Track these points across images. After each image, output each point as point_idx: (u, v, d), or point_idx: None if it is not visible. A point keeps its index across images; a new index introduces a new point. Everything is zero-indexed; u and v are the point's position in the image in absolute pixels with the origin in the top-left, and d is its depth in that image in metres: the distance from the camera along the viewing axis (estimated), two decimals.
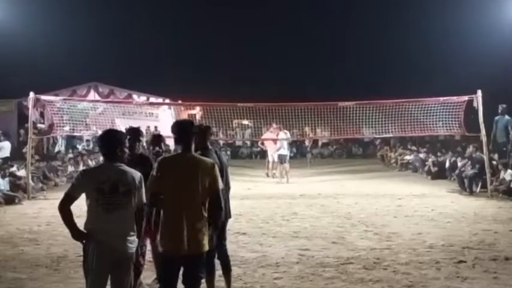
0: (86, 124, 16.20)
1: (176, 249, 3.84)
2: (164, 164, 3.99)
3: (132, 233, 3.86)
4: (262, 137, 16.96)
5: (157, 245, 4.08)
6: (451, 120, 13.27)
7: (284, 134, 15.79)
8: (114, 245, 3.76)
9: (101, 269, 3.74)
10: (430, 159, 16.76)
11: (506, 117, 13.42)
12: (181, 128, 4.08)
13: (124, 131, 5.18)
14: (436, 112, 13.40)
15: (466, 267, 6.02)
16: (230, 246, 5.62)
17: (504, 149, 13.53)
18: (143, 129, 23.86)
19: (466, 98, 12.84)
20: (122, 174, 3.85)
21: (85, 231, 3.79)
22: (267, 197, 12.09)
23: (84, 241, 3.79)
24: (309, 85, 30.00)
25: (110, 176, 3.80)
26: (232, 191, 5.34)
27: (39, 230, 8.45)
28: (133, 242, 3.86)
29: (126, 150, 4.04)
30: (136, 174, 3.95)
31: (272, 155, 16.19)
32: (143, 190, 3.96)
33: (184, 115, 19.98)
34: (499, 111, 13.46)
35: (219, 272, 5.02)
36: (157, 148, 5.41)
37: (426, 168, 16.66)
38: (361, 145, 26.66)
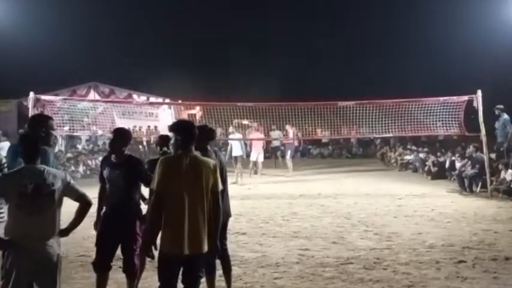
0: (88, 124, 16.20)
1: (178, 250, 3.83)
2: (167, 163, 3.96)
3: (54, 236, 3.77)
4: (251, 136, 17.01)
5: (146, 244, 4.04)
6: (451, 120, 13.27)
7: (260, 134, 16.15)
8: (36, 250, 3.65)
9: (21, 278, 3.63)
10: (430, 159, 16.75)
11: (505, 116, 13.44)
12: (184, 128, 4.05)
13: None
14: (436, 112, 13.38)
15: (466, 267, 6.03)
16: (230, 246, 5.61)
17: (501, 149, 13.54)
18: (144, 129, 23.97)
19: (466, 98, 12.83)
20: (44, 175, 3.75)
21: (6, 239, 3.67)
22: (267, 197, 12.09)
23: (4, 249, 3.68)
24: (309, 85, 30.06)
25: (32, 178, 3.69)
26: (232, 191, 5.32)
27: None
28: (54, 244, 3.77)
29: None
30: (61, 174, 3.88)
31: (258, 155, 16.41)
32: (76, 187, 3.91)
33: (184, 115, 19.94)
34: (496, 113, 13.51)
35: (219, 272, 5.02)
36: (164, 149, 5.36)
37: (426, 168, 16.65)
38: (361, 145, 26.65)
